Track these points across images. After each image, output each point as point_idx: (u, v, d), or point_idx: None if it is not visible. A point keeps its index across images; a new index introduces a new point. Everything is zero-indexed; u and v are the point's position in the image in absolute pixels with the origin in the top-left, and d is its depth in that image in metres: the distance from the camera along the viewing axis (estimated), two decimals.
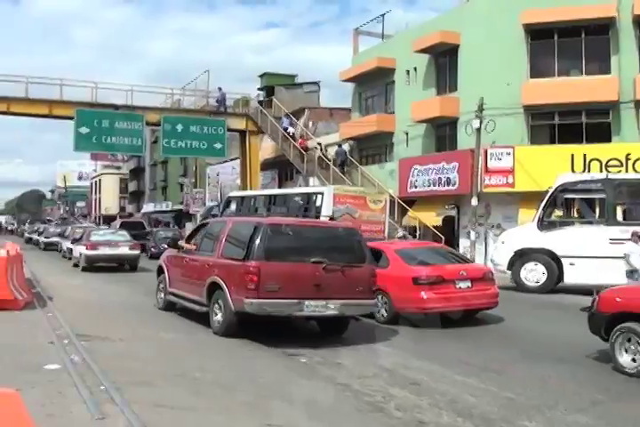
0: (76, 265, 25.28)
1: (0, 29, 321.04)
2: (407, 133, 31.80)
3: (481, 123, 24.69)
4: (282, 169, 42.68)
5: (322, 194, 23.64)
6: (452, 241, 27.00)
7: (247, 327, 10.38)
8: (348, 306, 10.45)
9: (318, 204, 23.67)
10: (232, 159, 45.55)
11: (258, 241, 10.27)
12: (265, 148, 41.99)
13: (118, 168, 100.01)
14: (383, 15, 35.95)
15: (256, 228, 10.58)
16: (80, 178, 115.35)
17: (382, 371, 8.16)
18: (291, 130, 37.12)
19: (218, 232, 11.99)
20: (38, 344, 9.12)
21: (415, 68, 31.43)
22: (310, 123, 41.67)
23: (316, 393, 7.10)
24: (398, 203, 28.32)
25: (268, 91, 48.36)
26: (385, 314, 12.27)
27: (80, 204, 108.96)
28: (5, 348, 8.70)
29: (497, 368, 8.52)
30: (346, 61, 38.90)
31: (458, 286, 12.18)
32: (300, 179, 37.46)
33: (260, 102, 42.62)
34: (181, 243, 13.76)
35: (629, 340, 8.20)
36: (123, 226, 34.12)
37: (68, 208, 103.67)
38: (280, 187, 40.24)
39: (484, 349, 9.97)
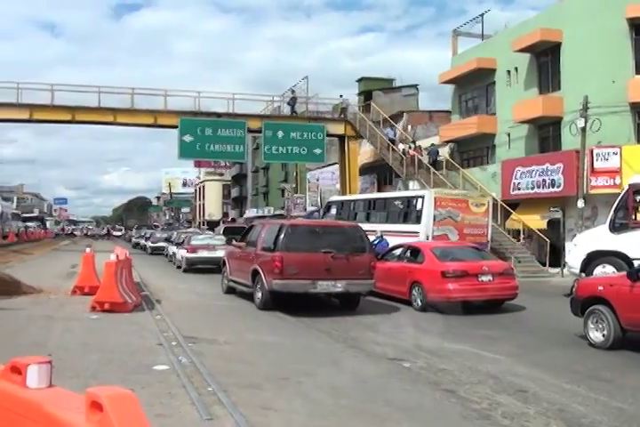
0: (179, 267, 26.73)
1: (104, 44, 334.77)
2: (509, 135, 31.20)
3: (586, 122, 23.99)
4: (381, 173, 42.58)
5: (422, 198, 23.49)
6: (558, 244, 26.27)
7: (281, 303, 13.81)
8: (351, 284, 13.87)
9: (419, 207, 23.52)
10: (331, 164, 45.77)
11: (282, 237, 13.92)
12: (364, 152, 42.01)
13: (221, 175, 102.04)
14: (482, 15, 35.49)
15: (280, 227, 14.37)
16: (184, 185, 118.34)
17: (488, 377, 7.99)
18: (402, 147, 36.08)
19: (259, 232, 15.65)
20: (147, 346, 9.39)
21: (516, 68, 30.81)
22: (409, 127, 41.43)
23: (422, 399, 7.02)
24: (501, 206, 27.80)
25: (366, 95, 48.38)
26: (420, 303, 14.64)
27: (185, 210, 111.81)
28: (116, 349, 8.99)
29: (607, 377, 8.21)
30: (444, 64, 38.67)
31: (480, 280, 14.41)
32: (400, 183, 37.26)
33: (359, 107, 42.70)
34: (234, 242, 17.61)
35: (598, 319, 10.11)
36: (226, 231, 34.79)
37: (173, 214, 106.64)
38: (379, 191, 40.18)
39: (591, 356, 9.64)
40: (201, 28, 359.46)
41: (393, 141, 36.32)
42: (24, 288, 15.55)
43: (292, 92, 40.50)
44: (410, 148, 34.84)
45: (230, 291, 17.01)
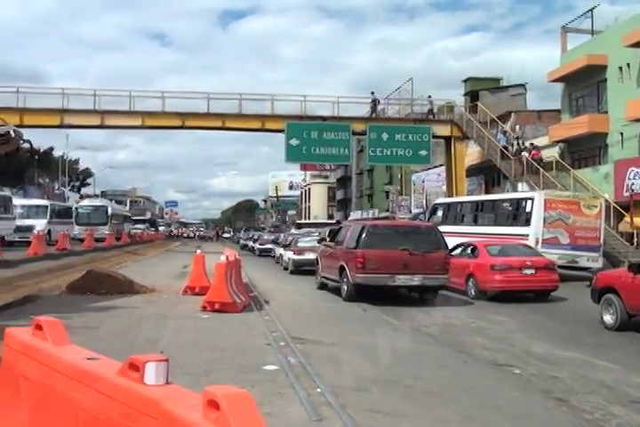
0: (285, 268, 27.19)
1: (211, 51, 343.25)
2: (622, 134, 30.00)
3: None
4: (488, 175, 41.86)
5: (532, 199, 22.94)
6: None
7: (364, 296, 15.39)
8: (427, 279, 15.33)
9: (528, 210, 22.97)
10: (437, 166, 45.31)
11: (363, 236, 15.71)
12: (470, 153, 41.39)
13: (326, 177, 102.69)
14: (591, 10, 34.19)
15: (362, 227, 16.19)
16: (291, 187, 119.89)
17: (601, 387, 7.66)
18: (525, 155, 34.77)
19: (345, 232, 17.52)
20: (257, 346, 9.50)
21: (628, 64, 29.59)
22: (517, 127, 40.51)
23: (532, 407, 6.81)
24: (614, 208, 26.76)
25: (473, 96, 47.63)
26: (473, 292, 17.02)
27: (291, 212, 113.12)
28: (227, 348, 9.14)
29: None
30: (552, 61, 37.56)
31: (523, 272, 16.78)
32: (508, 184, 36.49)
33: (465, 108, 42.08)
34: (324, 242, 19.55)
35: (609, 305, 12.09)
36: (331, 233, 34.88)
37: (280, 216, 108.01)
38: (487, 193, 39.47)
39: None
40: (305, 33, 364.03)
41: (506, 148, 35.14)
42: (137, 288, 16.07)
43: (372, 93, 40.25)
44: (530, 151, 33.72)
45: (322, 287, 18.53)
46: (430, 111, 39.74)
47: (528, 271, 16.80)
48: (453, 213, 28.34)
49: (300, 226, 58.90)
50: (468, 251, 18.60)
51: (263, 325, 11.59)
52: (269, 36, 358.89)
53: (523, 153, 33.41)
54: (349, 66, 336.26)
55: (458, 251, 19.05)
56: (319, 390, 6.85)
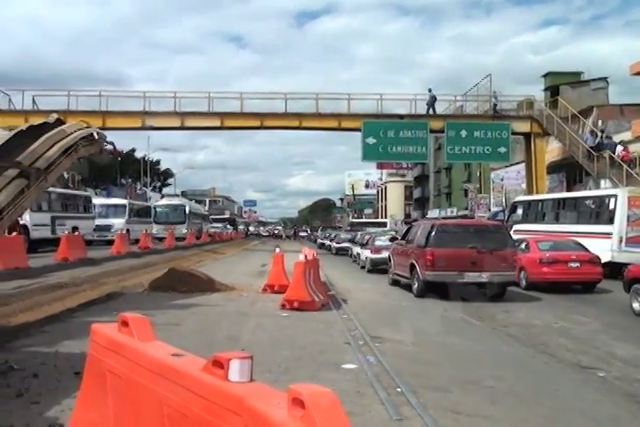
0: (362, 267, 27.13)
1: (287, 51, 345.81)
2: None
3: None
4: (570, 172, 40.84)
5: (615, 197, 22.32)
6: None
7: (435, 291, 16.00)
8: (494, 276, 15.73)
9: (611, 207, 22.37)
10: (516, 163, 44.52)
11: (432, 235, 16.24)
12: (551, 150, 40.47)
13: (403, 176, 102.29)
14: None
15: (432, 226, 16.75)
16: (367, 186, 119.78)
17: None
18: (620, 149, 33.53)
19: (415, 231, 18.21)
20: (335, 344, 9.51)
21: None
22: (599, 122, 39.40)
23: (617, 411, 6.57)
24: None
25: (553, 91, 46.56)
26: (524, 283, 18.25)
27: (367, 211, 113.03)
28: (306, 346, 9.18)
29: None
30: (634, 54, 36.48)
31: (569, 266, 18.13)
32: (591, 181, 35.54)
33: (545, 103, 41.18)
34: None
35: (638, 294, 13.47)
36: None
37: (356, 215, 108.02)
38: (568, 190, 38.53)
39: None
40: (381, 31, 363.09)
41: (593, 148, 34.09)
42: (218, 286, 16.32)
43: (429, 90, 39.57)
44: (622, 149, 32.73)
45: (394, 283, 19.21)
46: (495, 107, 39.02)
47: (573, 265, 18.17)
48: (534, 212, 27.81)
49: (353, 225, 59.42)
50: (522, 246, 19.48)
51: (341, 323, 11.59)
52: (344, 35, 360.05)
53: (617, 147, 32.47)
54: (425, 63, 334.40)
55: None
56: (399, 389, 6.79)
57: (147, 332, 3.18)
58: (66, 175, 44.41)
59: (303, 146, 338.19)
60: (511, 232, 24.92)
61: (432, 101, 38.74)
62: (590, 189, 33.05)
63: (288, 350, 8.77)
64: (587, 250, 19.30)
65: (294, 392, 2.08)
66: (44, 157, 10.70)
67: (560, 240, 20.58)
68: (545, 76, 51.81)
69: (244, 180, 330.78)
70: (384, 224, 54.78)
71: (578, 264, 18.14)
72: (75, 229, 29.49)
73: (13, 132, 11.36)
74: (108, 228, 36.90)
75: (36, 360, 7.67)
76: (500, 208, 48.12)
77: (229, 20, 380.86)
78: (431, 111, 38.64)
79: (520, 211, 28.84)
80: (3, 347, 8.47)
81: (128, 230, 33.87)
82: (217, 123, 38.12)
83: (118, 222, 37.97)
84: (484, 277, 15.77)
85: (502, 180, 52.54)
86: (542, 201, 28.38)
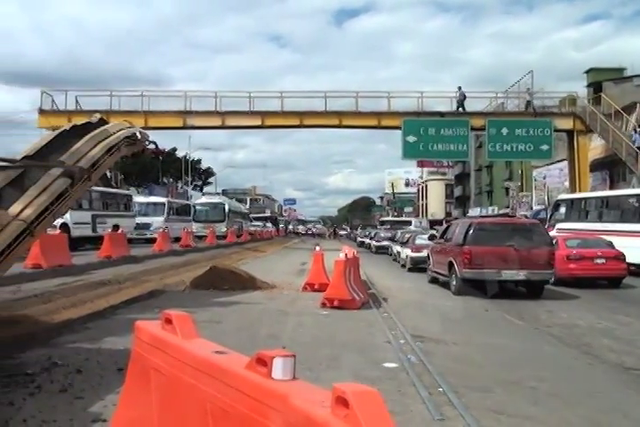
0: (403, 266, 27.05)
1: (327, 50, 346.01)
2: None
3: None
4: (613, 169, 40.20)
5: None
6: None
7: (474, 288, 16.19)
8: (531, 274, 15.91)
9: None
10: (559, 161, 43.97)
11: (470, 233, 16.44)
12: (594, 147, 39.87)
13: (444, 174, 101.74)
14: None
15: (469, 225, 16.98)
16: (407, 184, 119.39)
17: None
18: None
19: (453, 229, 18.47)
20: (376, 343, 9.47)
21: None
22: None
23: None
24: None
25: (596, 87, 45.84)
26: (553, 279, 17.47)
27: (407, 209, 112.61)
28: (346, 345, 9.17)
29: None
30: None
31: (595, 262, 18.86)
32: (635, 179, 34.93)
33: (588, 100, 40.56)
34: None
35: None
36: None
37: (396, 213, 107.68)
38: (612, 188, 37.91)
39: None
40: (421, 29, 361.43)
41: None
42: (259, 284, 16.40)
43: (459, 88, 39.15)
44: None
45: (433, 281, 19.54)
46: (530, 104, 38.54)
47: (599, 261, 18.92)
48: (577, 210, 27.42)
49: (383, 223, 59.90)
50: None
51: (382, 322, 11.55)
52: (384, 33, 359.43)
53: None
54: (466, 60, 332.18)
55: None
56: (441, 389, 6.74)
57: (190, 329, 3.20)
58: (108, 174, 44.95)
59: (343, 144, 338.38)
60: (554, 231, 24.71)
61: (462, 99, 38.49)
62: (634, 187, 32.47)
63: (328, 349, 8.77)
64: (613, 247, 19.80)
65: (338, 391, 2.07)
66: (87, 157, 10.82)
67: (588, 238, 21.20)
68: (587, 72, 51.05)
69: (283, 178, 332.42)
70: (409, 223, 54.99)
71: (603, 260, 18.88)
72: (116, 227, 29.85)
73: (57, 132, 11.53)
74: (146, 226, 37.24)
75: (79, 356, 7.77)
76: (543, 207, 47.58)
77: (269, 20, 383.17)
78: (461, 109, 38.37)
79: (563, 209, 28.47)
80: (47, 343, 8.60)
81: (166, 228, 34.08)
82: (257, 122, 38.31)
83: (157, 221, 38.24)
84: (521, 274, 15.91)
85: (544, 178, 51.93)
86: (585, 199, 27.98)
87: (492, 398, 6.66)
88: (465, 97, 38.49)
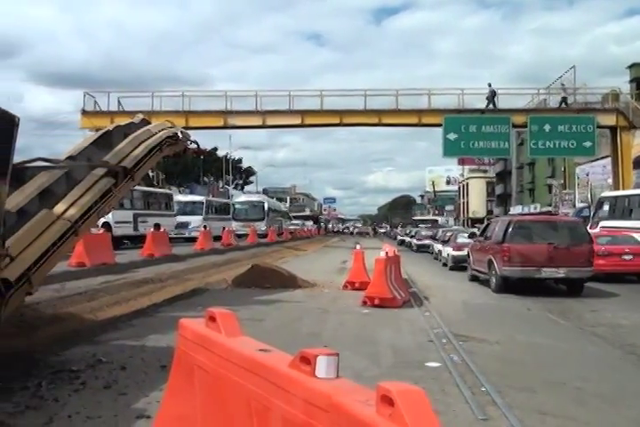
0: (444, 265, 27.00)
1: (366, 48, 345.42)
2: None
3: None
4: None
5: None
6: None
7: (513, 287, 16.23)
8: (571, 271, 15.90)
9: None
10: (602, 157, 43.31)
11: (509, 231, 16.44)
12: (638, 144, 39.16)
13: (485, 171, 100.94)
14: None
15: (509, 223, 16.96)
16: (448, 182, 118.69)
17: None
18: None
19: (493, 227, 18.48)
20: (418, 342, 9.44)
21: None
22: None
23: None
24: None
25: (638, 82, 45.06)
26: None
27: (449, 207, 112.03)
28: (389, 344, 9.15)
29: None
30: None
31: (623, 258, 19.53)
32: None
33: (631, 95, 39.88)
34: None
35: None
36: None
37: (437, 212, 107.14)
38: None
39: None
40: (461, 26, 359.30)
41: None
42: (300, 282, 16.47)
43: (489, 85, 38.59)
44: None
45: (473, 279, 19.58)
46: (564, 100, 37.97)
47: (627, 257, 19.61)
48: (621, 208, 26.94)
49: (415, 222, 60.31)
50: None
51: (424, 321, 11.50)
52: (423, 30, 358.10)
53: None
54: (506, 57, 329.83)
55: None
56: (484, 389, 6.69)
57: (234, 327, 3.21)
58: (150, 174, 45.44)
59: (382, 142, 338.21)
60: (598, 228, 24.36)
61: (492, 96, 38.03)
62: None
63: (370, 347, 8.76)
64: None
65: (383, 389, 2.06)
66: (130, 157, 10.96)
67: (619, 235, 21.71)
68: (630, 67, 50.24)
69: (323, 177, 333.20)
70: (436, 222, 55.28)
71: (631, 257, 19.52)
72: (157, 226, 30.15)
73: (100, 133, 11.70)
74: (185, 225, 37.55)
75: (123, 353, 7.88)
76: (586, 204, 46.86)
77: (308, 19, 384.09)
78: (491, 106, 37.94)
79: (606, 207, 28.00)
80: (91, 340, 8.74)
81: (205, 227, 34.29)
82: (297, 120, 38.39)
83: (195, 219, 38.54)
84: (560, 272, 15.97)
85: (588, 175, 51.17)
86: (629, 197, 27.49)
87: (535, 398, 6.58)
88: (495, 93, 38.05)
